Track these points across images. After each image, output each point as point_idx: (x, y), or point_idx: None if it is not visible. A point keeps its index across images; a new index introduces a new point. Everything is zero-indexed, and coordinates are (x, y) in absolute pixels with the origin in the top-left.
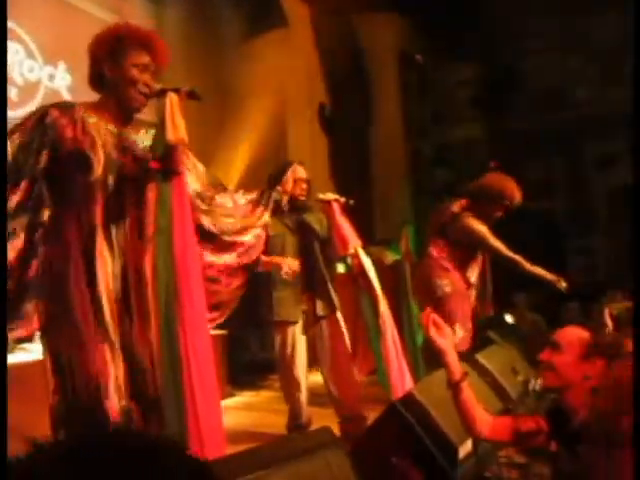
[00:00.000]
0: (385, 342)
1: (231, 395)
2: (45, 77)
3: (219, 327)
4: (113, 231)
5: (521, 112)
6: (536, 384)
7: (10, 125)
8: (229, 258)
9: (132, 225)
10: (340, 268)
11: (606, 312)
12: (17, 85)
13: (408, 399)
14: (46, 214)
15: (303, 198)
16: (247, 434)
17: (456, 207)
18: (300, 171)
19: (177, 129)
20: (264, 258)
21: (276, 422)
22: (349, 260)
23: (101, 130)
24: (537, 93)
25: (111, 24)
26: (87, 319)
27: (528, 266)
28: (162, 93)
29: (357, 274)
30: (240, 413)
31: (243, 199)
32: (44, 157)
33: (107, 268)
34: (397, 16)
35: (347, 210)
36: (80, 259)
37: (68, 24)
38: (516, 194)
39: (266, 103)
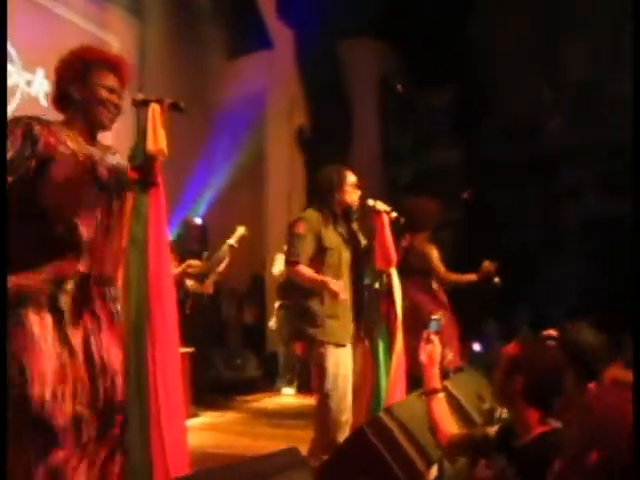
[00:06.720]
0: (396, 368)
1: (195, 415)
2: (23, 82)
3: (186, 344)
4: (83, 233)
5: (494, 141)
6: (502, 412)
7: None
8: None
9: (103, 233)
10: (376, 285)
11: None
12: None
13: (376, 423)
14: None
15: (356, 204)
16: (211, 456)
17: (404, 242)
18: (351, 176)
19: (157, 140)
20: (308, 272)
21: (241, 444)
22: (384, 278)
23: (78, 142)
24: (510, 123)
25: (77, 47)
26: (44, 323)
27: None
28: (145, 103)
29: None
30: (204, 434)
31: None
32: (32, 165)
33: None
34: (379, 43)
35: (393, 226)
36: None
37: (51, 32)
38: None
39: (246, 121)
